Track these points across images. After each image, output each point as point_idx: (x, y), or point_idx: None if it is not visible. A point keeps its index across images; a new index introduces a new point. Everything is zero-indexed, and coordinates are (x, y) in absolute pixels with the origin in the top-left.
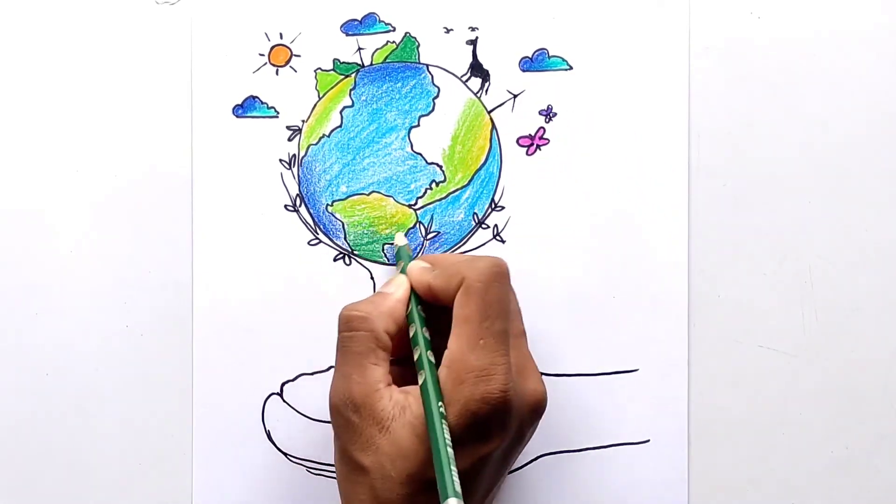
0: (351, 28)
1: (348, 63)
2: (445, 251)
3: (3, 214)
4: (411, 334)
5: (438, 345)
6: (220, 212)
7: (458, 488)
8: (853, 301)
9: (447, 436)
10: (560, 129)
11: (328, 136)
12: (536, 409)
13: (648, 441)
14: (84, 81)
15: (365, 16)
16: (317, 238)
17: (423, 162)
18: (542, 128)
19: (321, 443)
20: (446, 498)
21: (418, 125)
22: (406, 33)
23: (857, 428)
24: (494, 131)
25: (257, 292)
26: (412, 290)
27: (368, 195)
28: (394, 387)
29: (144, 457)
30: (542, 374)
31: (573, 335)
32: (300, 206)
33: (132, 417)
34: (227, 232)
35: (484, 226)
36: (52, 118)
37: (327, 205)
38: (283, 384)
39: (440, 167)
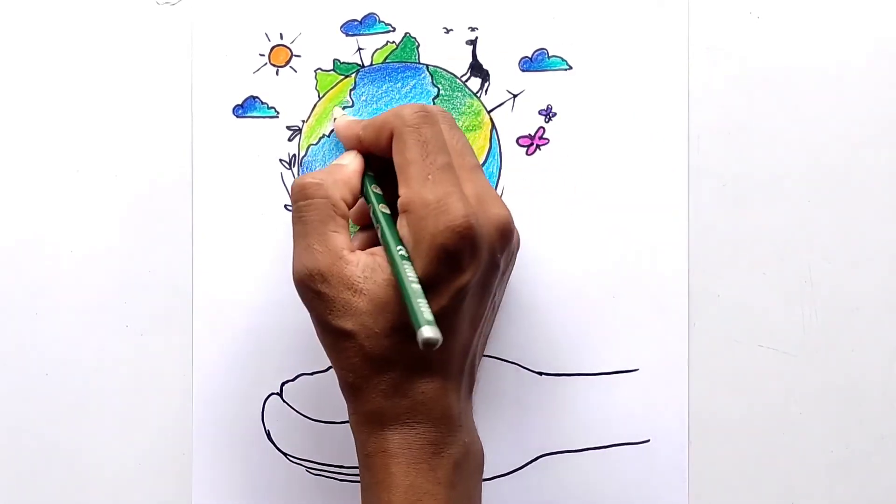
0: (351, 28)
1: (348, 63)
2: None
3: (4, 214)
4: (363, 193)
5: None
6: (220, 212)
7: (430, 317)
8: (853, 301)
9: (410, 274)
10: (560, 129)
11: (328, 137)
12: (503, 231)
13: (648, 441)
14: (85, 81)
15: (365, 16)
16: None
17: None
18: (542, 128)
19: (321, 443)
20: (419, 327)
21: None
22: (406, 33)
23: (857, 428)
24: (494, 131)
25: (257, 292)
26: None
27: None
28: (358, 251)
29: (144, 457)
30: (542, 373)
31: (573, 335)
32: None
33: (132, 417)
34: (227, 232)
35: None
36: (52, 118)
37: None
38: (283, 384)
39: None
